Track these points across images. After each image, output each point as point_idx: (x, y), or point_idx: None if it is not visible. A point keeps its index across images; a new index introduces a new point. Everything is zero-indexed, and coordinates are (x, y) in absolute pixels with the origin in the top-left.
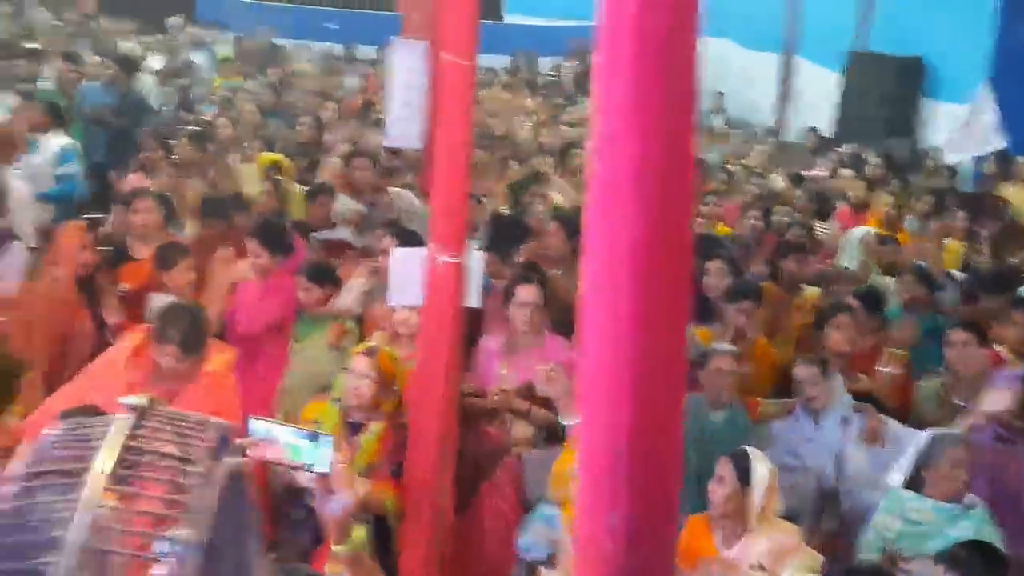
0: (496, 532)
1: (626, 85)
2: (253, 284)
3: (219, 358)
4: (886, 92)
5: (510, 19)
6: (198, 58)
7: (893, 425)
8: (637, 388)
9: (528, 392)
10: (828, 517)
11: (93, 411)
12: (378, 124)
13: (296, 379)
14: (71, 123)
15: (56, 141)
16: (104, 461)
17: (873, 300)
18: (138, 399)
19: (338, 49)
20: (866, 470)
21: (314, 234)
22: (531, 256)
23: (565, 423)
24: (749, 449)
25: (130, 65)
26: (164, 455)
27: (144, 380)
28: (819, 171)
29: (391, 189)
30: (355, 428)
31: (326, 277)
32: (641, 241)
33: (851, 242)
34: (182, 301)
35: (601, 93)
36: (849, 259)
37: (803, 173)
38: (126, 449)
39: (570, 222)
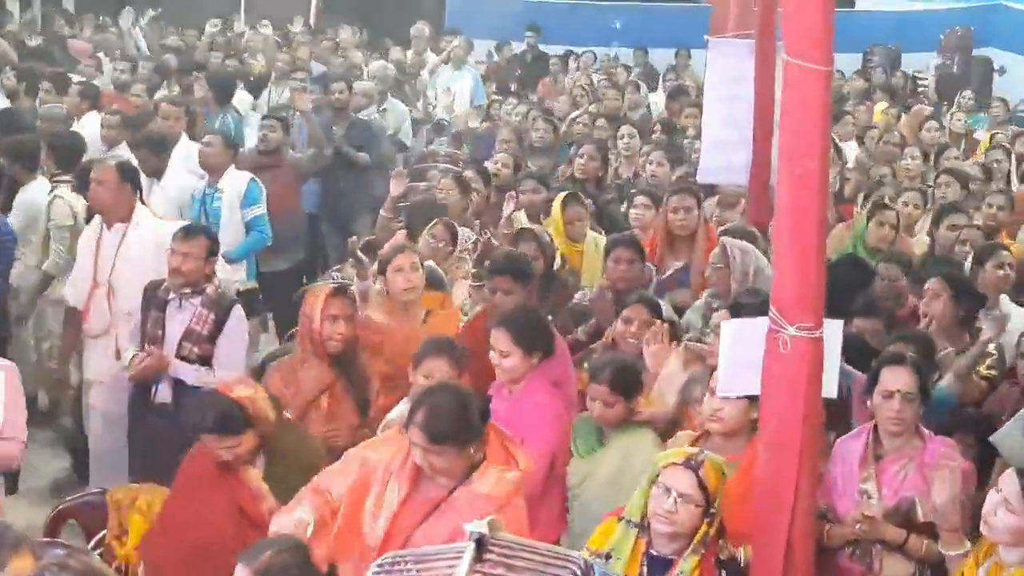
0: None
1: None
2: (502, 391)
3: (505, 478)
4: None
5: (863, 5)
6: (453, 77)
7: None
8: None
9: (903, 515)
10: None
11: None
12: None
13: (586, 510)
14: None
15: (241, 178)
16: None
17: None
18: (479, 525)
19: (625, 54)
20: None
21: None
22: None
23: (947, 553)
24: None
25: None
26: None
27: (410, 475)
28: None
29: (728, 240)
30: (660, 565)
31: (634, 387)
32: None
33: None
34: (448, 381)
35: None
36: None
37: None
38: None
39: (957, 282)
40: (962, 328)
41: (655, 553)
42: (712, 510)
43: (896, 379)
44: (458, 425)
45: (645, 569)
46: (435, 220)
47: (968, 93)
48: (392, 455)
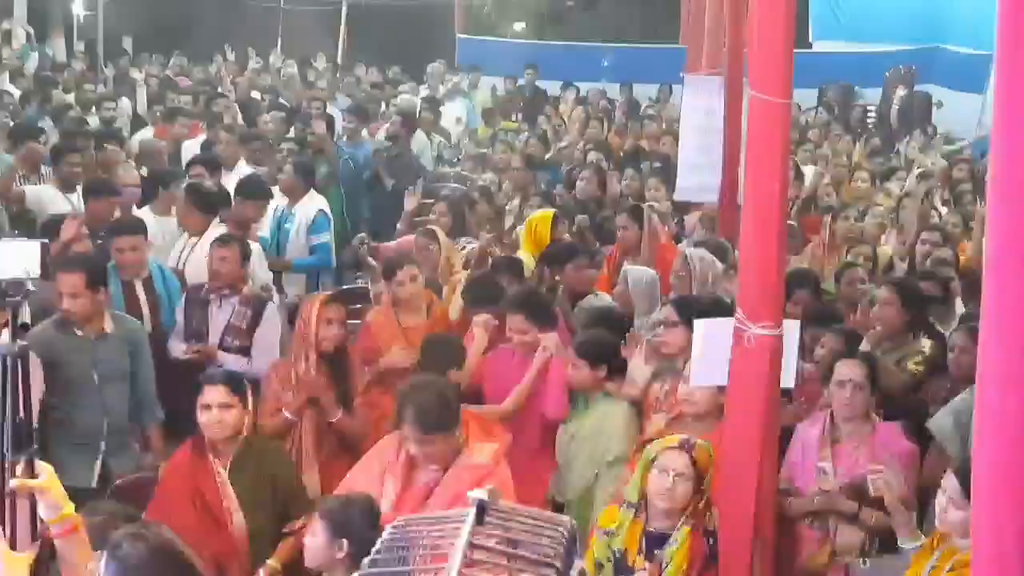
0: None
1: None
2: (511, 355)
3: (487, 448)
4: None
5: (819, 47)
6: (456, 107)
7: None
8: None
9: (856, 490)
10: None
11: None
12: (655, 174)
13: (570, 466)
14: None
15: (312, 207)
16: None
17: None
18: (480, 492)
19: (612, 90)
20: None
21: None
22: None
23: (901, 544)
24: None
25: (411, 121)
26: (517, 557)
27: (403, 469)
28: None
29: (690, 251)
30: (656, 540)
31: (605, 356)
32: None
33: None
34: (428, 376)
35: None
36: None
37: None
38: (470, 547)
39: (910, 290)
40: (907, 332)
41: (652, 530)
42: (702, 486)
43: (848, 370)
44: (443, 416)
45: (644, 544)
46: (420, 230)
47: (918, 132)
48: (383, 456)
